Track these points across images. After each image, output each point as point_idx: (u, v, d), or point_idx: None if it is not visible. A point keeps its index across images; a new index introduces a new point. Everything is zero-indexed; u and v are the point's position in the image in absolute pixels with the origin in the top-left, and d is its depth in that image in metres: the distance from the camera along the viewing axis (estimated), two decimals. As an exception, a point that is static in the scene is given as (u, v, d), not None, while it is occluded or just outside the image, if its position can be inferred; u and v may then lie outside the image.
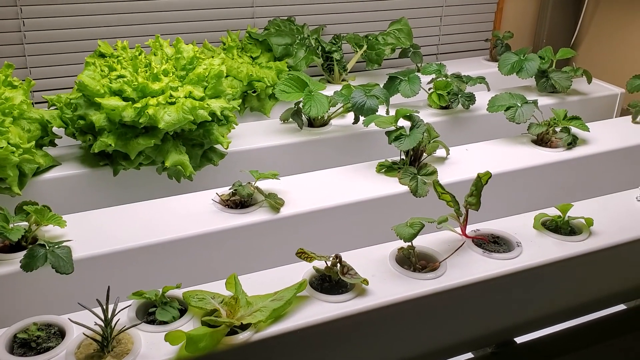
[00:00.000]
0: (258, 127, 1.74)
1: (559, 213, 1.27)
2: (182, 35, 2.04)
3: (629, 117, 1.85)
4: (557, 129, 1.67)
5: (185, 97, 1.42)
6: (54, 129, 1.50)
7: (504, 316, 1.22)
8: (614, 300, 1.36)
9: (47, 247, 1.09)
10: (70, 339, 0.94)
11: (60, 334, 0.96)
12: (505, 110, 1.67)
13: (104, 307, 0.91)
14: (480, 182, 1.19)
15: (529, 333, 1.26)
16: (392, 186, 1.43)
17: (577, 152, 1.62)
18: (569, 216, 1.26)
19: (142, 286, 1.05)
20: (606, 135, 1.71)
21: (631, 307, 1.38)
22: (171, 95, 1.41)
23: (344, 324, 1.02)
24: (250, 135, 1.68)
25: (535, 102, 1.68)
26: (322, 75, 2.15)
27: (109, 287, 0.93)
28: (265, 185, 1.38)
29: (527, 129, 1.66)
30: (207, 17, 2.07)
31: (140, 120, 1.36)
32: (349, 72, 2.17)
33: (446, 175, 1.49)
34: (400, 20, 2.16)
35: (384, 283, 1.09)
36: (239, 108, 1.59)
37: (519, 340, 1.25)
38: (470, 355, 1.22)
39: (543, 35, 2.57)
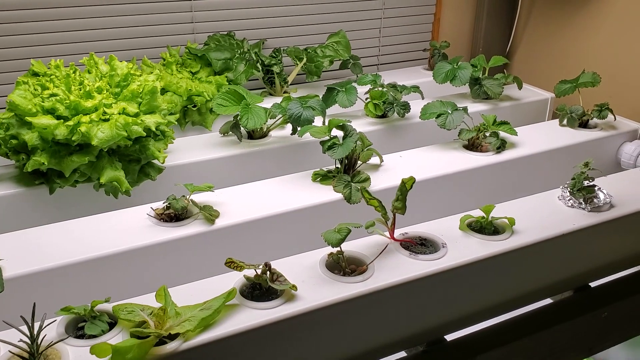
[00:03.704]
0: (198, 141, 1.76)
1: (482, 214, 1.33)
2: (122, 52, 2.05)
3: (557, 121, 1.94)
4: (487, 134, 1.74)
5: (119, 114, 1.43)
6: (-13, 150, 1.50)
7: (434, 315, 1.26)
8: (540, 295, 1.42)
9: (-24, 268, 1.09)
10: (-4, 358, 0.95)
11: (-13, 353, 0.96)
12: (436, 118, 1.74)
13: (29, 323, 0.92)
14: (405, 187, 1.24)
15: (458, 330, 1.31)
16: (327, 194, 1.47)
17: (506, 155, 1.70)
18: (492, 217, 1.32)
19: (76, 303, 1.06)
20: (534, 138, 1.79)
21: (557, 301, 1.45)
22: (104, 112, 1.42)
23: (273, 329, 1.05)
24: (190, 149, 1.70)
25: (465, 109, 1.75)
26: (264, 88, 2.19)
27: (34, 303, 0.94)
28: (200, 198, 1.41)
29: (458, 135, 1.73)
30: (147, 33, 2.08)
31: (73, 138, 1.37)
32: (291, 85, 2.21)
33: (380, 181, 1.53)
34: (338, 33, 2.22)
35: (313, 288, 1.12)
36: (175, 122, 1.61)
37: (449, 337, 1.30)
38: (403, 354, 1.26)
39: (479, 44, 2.67)
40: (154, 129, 1.48)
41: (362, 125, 1.87)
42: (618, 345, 1.54)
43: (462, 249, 1.25)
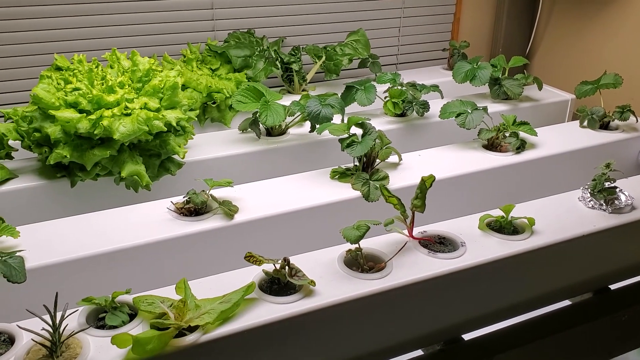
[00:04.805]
0: (217, 137, 1.77)
1: (502, 214, 1.32)
2: (143, 48, 2.07)
3: (577, 122, 1.92)
4: (507, 134, 1.73)
5: (141, 109, 1.45)
6: (10, 142, 1.52)
7: (451, 314, 1.26)
8: (559, 296, 1.41)
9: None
10: (19, 346, 0.96)
11: (10, 341, 0.98)
12: (456, 117, 1.73)
13: (52, 313, 0.93)
14: (425, 185, 1.23)
15: (476, 330, 1.30)
16: (345, 192, 1.47)
17: (525, 155, 1.68)
18: (512, 216, 1.31)
19: (97, 294, 1.07)
20: (553, 139, 1.78)
21: (576, 303, 1.43)
22: (126, 107, 1.43)
23: (290, 324, 1.05)
24: (209, 145, 1.71)
25: (485, 109, 1.74)
26: (283, 86, 2.19)
27: (57, 293, 0.95)
28: (220, 193, 1.41)
29: (478, 135, 1.72)
30: (168, 30, 2.10)
31: (95, 132, 1.39)
32: (309, 83, 2.22)
33: (398, 180, 1.53)
34: (358, 32, 2.22)
35: (331, 284, 1.12)
36: (195, 118, 1.62)
37: (467, 337, 1.29)
38: (420, 352, 1.26)
39: (499, 44, 2.65)
40: (174, 124, 1.49)
41: (381, 123, 1.87)
42: (638, 350, 1.52)
43: (481, 248, 1.24)
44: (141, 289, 1.11)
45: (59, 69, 1.54)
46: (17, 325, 0.96)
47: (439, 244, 1.26)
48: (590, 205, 1.41)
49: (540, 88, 2.13)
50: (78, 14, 1.95)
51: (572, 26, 2.47)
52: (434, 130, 1.92)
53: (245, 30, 2.17)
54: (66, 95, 1.42)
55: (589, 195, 1.43)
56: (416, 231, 1.29)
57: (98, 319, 1.03)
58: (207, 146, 1.70)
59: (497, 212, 1.34)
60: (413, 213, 1.25)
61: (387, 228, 1.21)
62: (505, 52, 2.58)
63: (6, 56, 1.89)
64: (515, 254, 1.24)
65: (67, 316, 0.94)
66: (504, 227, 1.31)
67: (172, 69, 1.85)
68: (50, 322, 0.93)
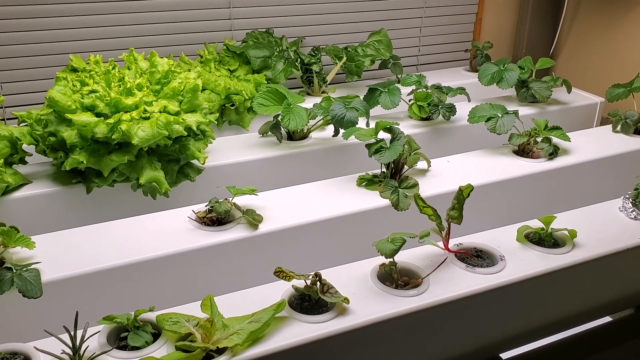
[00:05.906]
0: (236, 141, 1.71)
1: (541, 225, 1.25)
2: (158, 48, 2.00)
3: (609, 127, 1.85)
4: (538, 139, 1.66)
5: (160, 112, 1.38)
6: (24, 146, 1.46)
7: (489, 332, 1.19)
8: (600, 312, 1.34)
9: (14, 270, 1.05)
10: (36, 368, 0.90)
11: (27, 362, 0.92)
12: (486, 121, 1.66)
13: (72, 333, 0.87)
14: (462, 195, 1.17)
15: (514, 348, 1.24)
16: (373, 200, 1.41)
17: (559, 162, 1.61)
18: (552, 228, 1.24)
19: (116, 309, 1.01)
20: (587, 145, 1.71)
21: (617, 320, 1.36)
22: (145, 110, 1.37)
23: (324, 345, 0.98)
24: (229, 150, 1.65)
25: (516, 113, 1.67)
26: (302, 87, 2.13)
27: (77, 312, 0.89)
28: (243, 201, 1.35)
29: (508, 140, 1.65)
30: (184, 30, 2.04)
31: (113, 136, 1.32)
32: (329, 84, 2.15)
33: (428, 187, 1.46)
34: (380, 32, 2.15)
35: (365, 301, 1.05)
36: (215, 122, 1.56)
37: (505, 356, 1.22)
38: (455, 372, 1.20)
39: (522, 45, 2.58)
40: (195, 129, 1.43)
41: (406, 127, 1.80)
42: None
43: (521, 262, 1.17)
44: (162, 303, 1.05)
45: (74, 70, 1.48)
46: (35, 347, 0.90)
47: (477, 257, 1.20)
48: (632, 216, 1.34)
49: (569, 91, 2.06)
50: (92, 12, 1.89)
51: (598, 27, 2.39)
52: (460, 134, 1.85)
53: (264, 30, 2.10)
54: (83, 98, 1.36)
55: (630, 205, 1.36)
56: (451, 243, 1.22)
57: (120, 339, 0.96)
58: (226, 151, 1.64)
59: (535, 223, 1.27)
60: (449, 224, 1.18)
61: (421, 240, 1.14)
62: (528, 54, 2.50)
63: (19, 56, 1.83)
64: (558, 268, 1.17)
65: (88, 338, 0.88)
66: (544, 240, 1.24)
67: (190, 70, 1.79)
68: (70, 344, 0.87)
